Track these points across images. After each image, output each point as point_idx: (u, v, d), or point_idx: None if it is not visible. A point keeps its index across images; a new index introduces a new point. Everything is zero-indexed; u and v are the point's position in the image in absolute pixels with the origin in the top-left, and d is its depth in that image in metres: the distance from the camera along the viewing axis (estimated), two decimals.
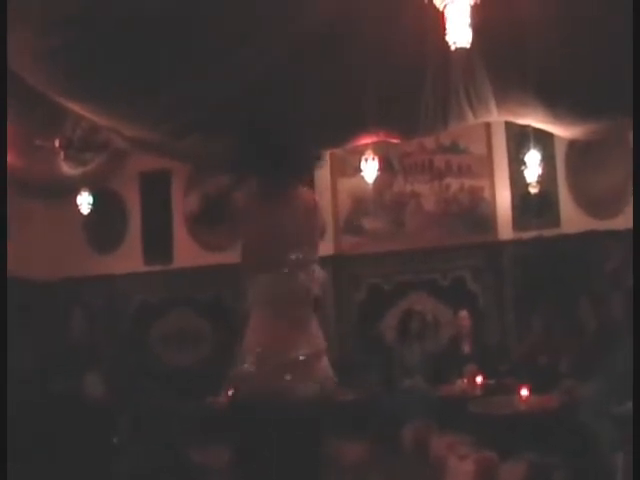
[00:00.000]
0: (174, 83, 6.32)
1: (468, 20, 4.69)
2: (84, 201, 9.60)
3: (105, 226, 11.00)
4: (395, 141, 8.61)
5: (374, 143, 8.52)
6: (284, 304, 3.24)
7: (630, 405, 4.97)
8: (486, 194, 9.86)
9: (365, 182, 9.31)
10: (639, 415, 4.11)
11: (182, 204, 10.92)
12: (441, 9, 4.73)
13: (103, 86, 6.28)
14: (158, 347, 10.82)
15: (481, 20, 4.86)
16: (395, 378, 8.50)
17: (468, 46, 4.80)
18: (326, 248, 7.83)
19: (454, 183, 10.03)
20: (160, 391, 8.69)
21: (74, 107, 6.87)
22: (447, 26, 4.72)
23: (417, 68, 6.47)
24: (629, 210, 8.05)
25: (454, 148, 10.01)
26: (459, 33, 4.70)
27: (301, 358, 3.15)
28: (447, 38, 4.76)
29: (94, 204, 9.67)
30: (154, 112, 6.91)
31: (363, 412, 7.69)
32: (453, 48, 4.79)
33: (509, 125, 9.32)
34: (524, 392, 6.77)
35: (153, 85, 6.33)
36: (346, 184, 10.28)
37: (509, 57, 6.33)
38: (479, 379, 7.74)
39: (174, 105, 6.73)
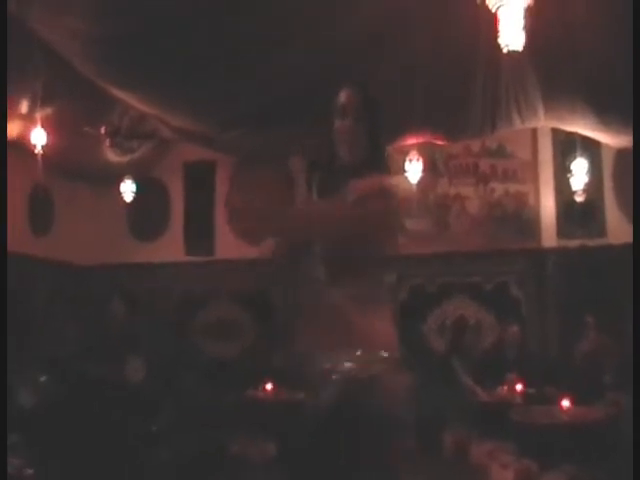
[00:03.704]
0: (222, 78, 6.34)
1: (522, 22, 4.63)
2: (128, 189, 9.65)
3: (148, 215, 11.02)
4: (441, 142, 8.54)
5: (419, 144, 8.47)
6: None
7: None
8: (531, 200, 9.73)
9: (409, 182, 9.23)
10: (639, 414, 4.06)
11: (225, 195, 10.93)
12: (494, 10, 4.67)
13: (151, 76, 6.33)
14: (199, 338, 10.83)
15: (533, 23, 4.79)
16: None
17: (521, 49, 4.74)
18: None
19: (499, 187, 9.90)
20: (200, 382, 8.71)
21: (122, 95, 6.92)
22: (500, 28, 4.66)
23: (467, 70, 6.41)
24: None
25: (500, 152, 9.89)
26: (512, 36, 4.63)
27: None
28: (499, 40, 4.70)
29: (138, 192, 9.71)
30: (202, 104, 6.94)
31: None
32: (505, 51, 4.73)
33: (555, 132, 9.21)
34: (565, 403, 6.66)
35: (202, 78, 6.36)
36: None
37: (560, 61, 6.24)
38: (519, 387, 7.64)
39: (222, 99, 6.76)
